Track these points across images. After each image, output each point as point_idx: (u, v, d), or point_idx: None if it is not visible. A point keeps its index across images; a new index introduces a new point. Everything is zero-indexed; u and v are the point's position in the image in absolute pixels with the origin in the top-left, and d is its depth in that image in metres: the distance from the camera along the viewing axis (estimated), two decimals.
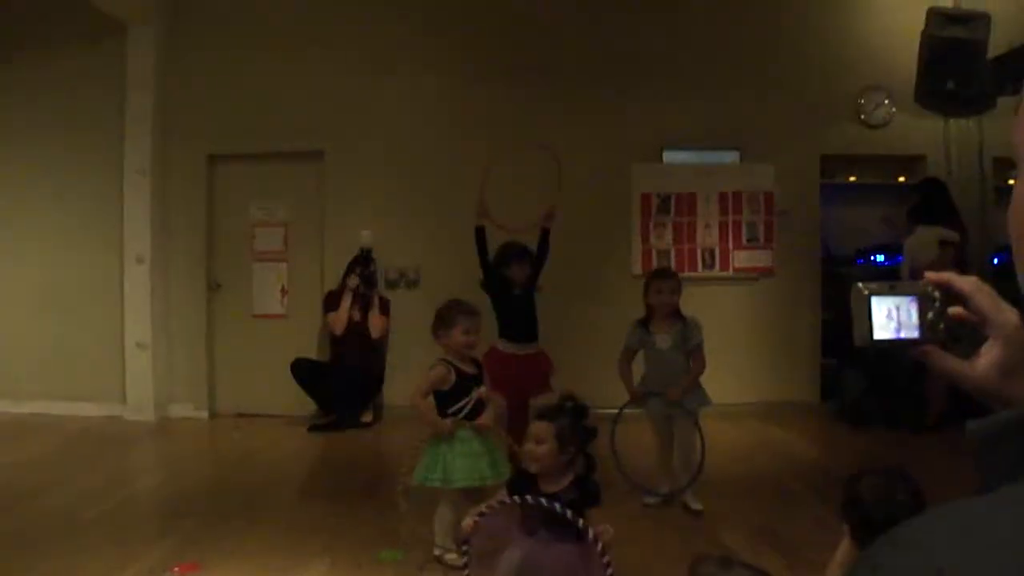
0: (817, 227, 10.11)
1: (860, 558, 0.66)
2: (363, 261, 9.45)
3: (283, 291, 10.04)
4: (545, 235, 7.25)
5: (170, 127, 9.87)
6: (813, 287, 10.01)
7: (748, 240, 9.94)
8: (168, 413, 9.85)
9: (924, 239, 8.66)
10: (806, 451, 8.38)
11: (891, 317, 1.20)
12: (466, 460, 5.23)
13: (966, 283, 1.20)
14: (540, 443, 4.08)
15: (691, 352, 6.50)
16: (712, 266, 9.82)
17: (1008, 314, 1.16)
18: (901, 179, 10.19)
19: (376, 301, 9.45)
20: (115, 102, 9.71)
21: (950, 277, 1.21)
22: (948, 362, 1.20)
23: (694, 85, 9.79)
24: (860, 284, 1.22)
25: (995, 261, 9.33)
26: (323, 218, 9.93)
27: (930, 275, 1.22)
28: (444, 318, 5.49)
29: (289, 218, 10.05)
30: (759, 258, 9.94)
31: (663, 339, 6.50)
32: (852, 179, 10.50)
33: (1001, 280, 1.20)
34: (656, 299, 6.53)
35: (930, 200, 9.15)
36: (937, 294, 1.21)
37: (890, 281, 1.24)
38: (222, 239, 10.07)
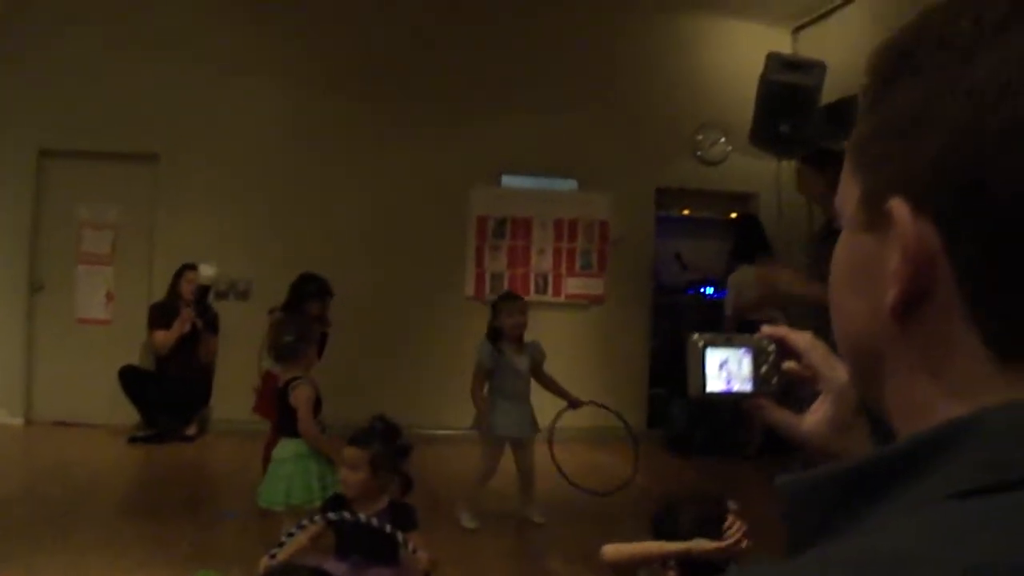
0: (650, 258, 10.33)
1: None
2: (201, 299, 9.15)
3: (108, 296, 9.72)
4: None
5: (0, 116, 9.47)
6: (643, 316, 10.21)
7: (582, 267, 10.07)
8: None
9: (748, 276, 8.90)
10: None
11: (724, 368, 1.20)
12: (333, 474, 5.06)
13: (800, 339, 1.21)
14: (354, 470, 4.05)
15: (538, 369, 6.78)
16: (544, 291, 9.90)
17: (840, 371, 1.17)
18: (734, 215, 10.42)
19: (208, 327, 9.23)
20: None
21: (785, 332, 1.22)
22: (778, 415, 1.21)
23: (535, 112, 9.89)
24: (696, 335, 1.21)
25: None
26: (154, 223, 9.65)
27: (766, 329, 1.23)
28: (305, 337, 5.40)
29: (119, 221, 9.73)
30: (591, 285, 10.08)
31: (520, 360, 6.67)
32: (686, 212, 10.73)
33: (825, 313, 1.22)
34: (510, 320, 6.66)
35: (748, 238, 9.47)
36: (772, 347, 1.21)
37: (727, 333, 1.24)
38: (46, 239, 9.63)
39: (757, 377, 1.21)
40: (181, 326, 9.00)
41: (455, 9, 9.93)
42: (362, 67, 9.79)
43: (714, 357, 1.20)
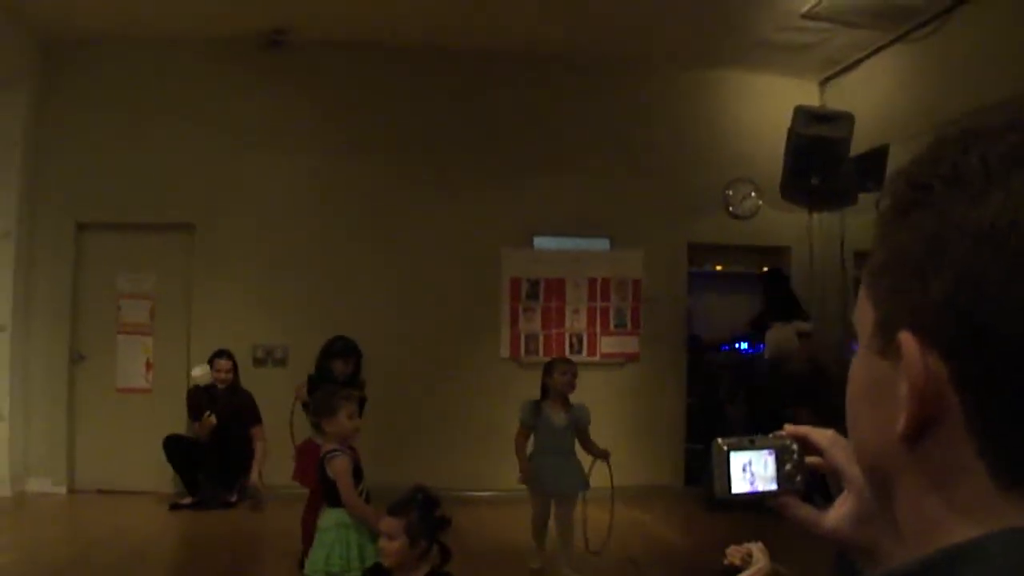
0: (683, 314, 10.32)
1: None
2: (226, 389, 9.20)
3: (148, 365, 9.84)
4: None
5: (39, 191, 9.60)
6: (678, 372, 10.18)
7: (616, 326, 10.09)
8: (25, 488, 9.50)
9: (784, 333, 8.92)
10: (666, 535, 8.48)
11: (747, 470, 1.22)
12: (373, 544, 5.08)
13: (823, 437, 1.23)
14: (391, 539, 4.08)
15: (582, 432, 6.94)
16: (579, 351, 9.90)
17: None
18: (765, 269, 10.42)
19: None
20: None
21: (808, 431, 1.24)
22: (803, 512, 1.22)
23: (565, 173, 9.98)
24: (720, 440, 1.24)
25: (855, 348, 9.60)
26: (191, 292, 9.78)
27: (788, 428, 1.25)
28: (327, 406, 5.44)
29: (156, 291, 9.87)
30: (626, 343, 10.09)
31: (559, 417, 6.88)
32: (719, 268, 10.73)
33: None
34: (561, 379, 6.89)
35: (775, 293, 9.46)
36: (795, 446, 1.24)
37: (750, 436, 1.26)
38: (87, 309, 9.79)
39: (781, 475, 1.24)
40: (204, 430, 9.05)
41: (482, 73, 10.06)
42: (391, 133, 9.92)
43: (738, 460, 1.23)
